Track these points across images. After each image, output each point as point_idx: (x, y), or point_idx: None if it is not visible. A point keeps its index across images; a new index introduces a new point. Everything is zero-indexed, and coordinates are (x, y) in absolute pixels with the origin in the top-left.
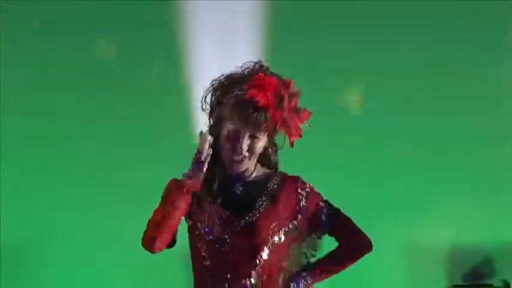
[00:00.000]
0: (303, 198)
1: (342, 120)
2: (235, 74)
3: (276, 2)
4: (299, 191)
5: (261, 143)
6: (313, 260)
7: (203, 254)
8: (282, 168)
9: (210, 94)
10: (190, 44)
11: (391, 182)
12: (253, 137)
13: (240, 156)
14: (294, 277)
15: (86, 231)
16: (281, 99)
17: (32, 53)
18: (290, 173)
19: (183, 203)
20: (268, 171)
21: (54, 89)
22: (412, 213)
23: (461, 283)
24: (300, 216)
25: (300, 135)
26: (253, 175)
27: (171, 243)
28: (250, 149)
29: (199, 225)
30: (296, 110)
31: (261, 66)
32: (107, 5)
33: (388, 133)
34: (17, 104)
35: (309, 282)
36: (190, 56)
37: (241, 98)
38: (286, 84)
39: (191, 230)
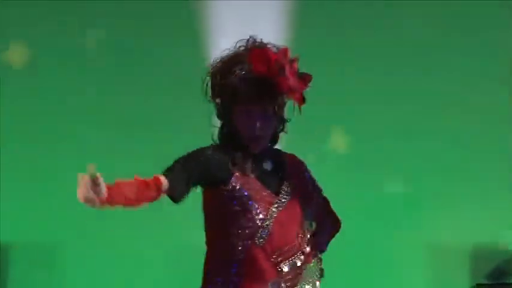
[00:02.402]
0: (310, 177)
1: (363, 108)
2: (231, 54)
3: None
4: (304, 170)
5: (275, 117)
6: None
7: (247, 231)
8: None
9: (210, 81)
10: (211, 33)
11: (414, 180)
12: (265, 112)
13: (257, 135)
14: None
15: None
16: (282, 67)
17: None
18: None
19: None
20: (271, 148)
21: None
22: (435, 213)
23: (484, 282)
24: (312, 195)
25: (305, 101)
26: (269, 152)
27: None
28: (266, 125)
29: (245, 199)
30: (299, 75)
31: (255, 40)
32: None
33: (413, 132)
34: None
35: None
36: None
37: (244, 76)
38: (284, 52)
39: (226, 199)
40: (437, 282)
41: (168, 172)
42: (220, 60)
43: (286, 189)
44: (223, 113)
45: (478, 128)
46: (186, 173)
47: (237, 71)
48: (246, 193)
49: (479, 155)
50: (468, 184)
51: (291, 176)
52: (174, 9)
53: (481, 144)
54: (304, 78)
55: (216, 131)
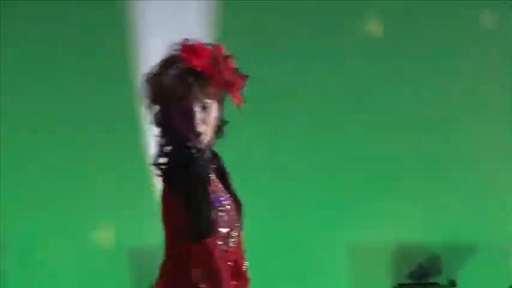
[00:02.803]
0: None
1: (293, 103)
2: (165, 57)
3: None
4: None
5: (213, 112)
6: None
7: (224, 231)
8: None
9: (147, 87)
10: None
11: (335, 181)
12: (203, 108)
13: (198, 130)
14: None
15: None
16: (216, 61)
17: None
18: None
19: None
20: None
21: None
22: (356, 213)
23: (406, 282)
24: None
25: (243, 101)
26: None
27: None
28: (205, 121)
29: (221, 200)
30: (236, 72)
31: (189, 41)
32: None
33: (333, 133)
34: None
35: None
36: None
37: (178, 73)
38: (217, 47)
39: None
40: (359, 282)
41: (203, 231)
42: (158, 64)
43: (230, 186)
44: (163, 118)
45: (408, 130)
46: (208, 207)
47: (172, 71)
48: (218, 192)
49: (403, 154)
50: (390, 184)
51: (225, 172)
52: (101, 9)
53: (407, 143)
54: (242, 76)
55: (158, 141)
